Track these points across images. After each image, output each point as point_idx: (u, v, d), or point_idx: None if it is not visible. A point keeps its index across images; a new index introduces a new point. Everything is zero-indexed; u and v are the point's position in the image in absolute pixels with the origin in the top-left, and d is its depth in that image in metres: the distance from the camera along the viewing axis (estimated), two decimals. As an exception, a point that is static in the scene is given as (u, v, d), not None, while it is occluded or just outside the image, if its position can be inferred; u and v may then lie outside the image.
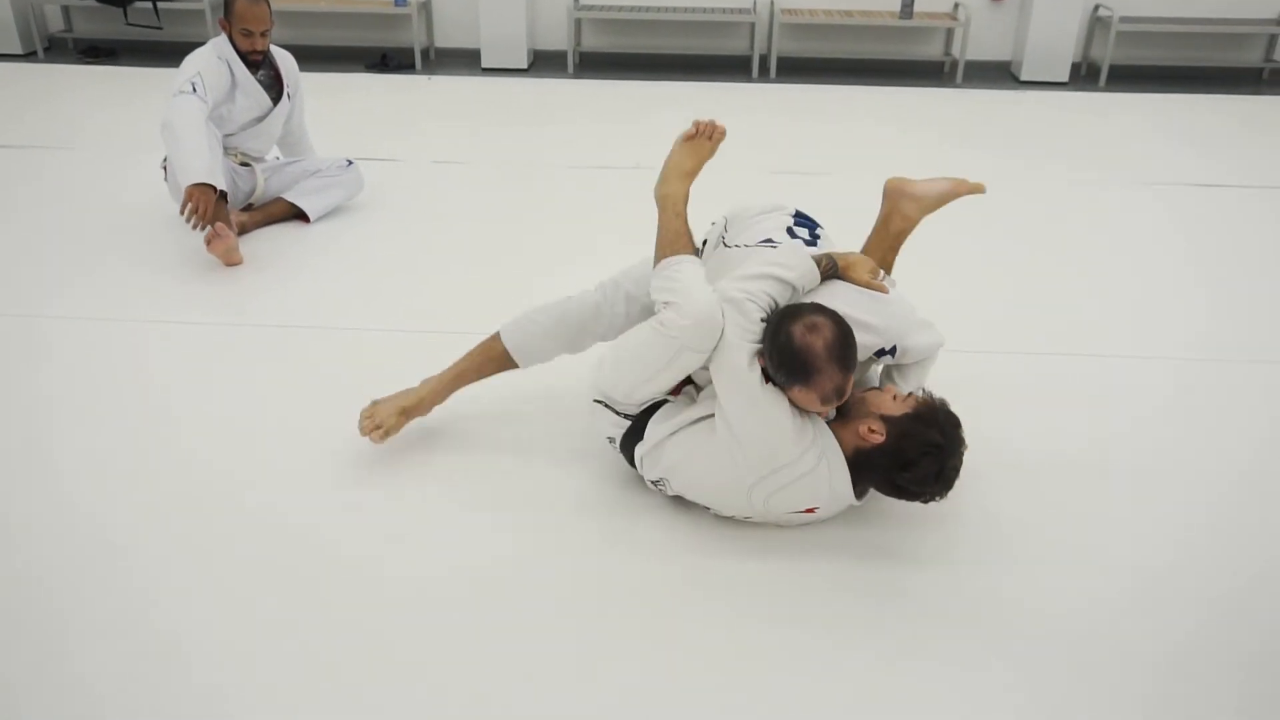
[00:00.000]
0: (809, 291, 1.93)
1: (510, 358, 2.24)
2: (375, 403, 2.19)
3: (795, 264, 1.91)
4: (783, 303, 1.87)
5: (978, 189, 2.18)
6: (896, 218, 2.19)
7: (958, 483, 1.98)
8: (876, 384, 2.10)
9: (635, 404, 2.02)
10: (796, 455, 1.80)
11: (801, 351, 1.74)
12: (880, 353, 1.96)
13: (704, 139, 2.13)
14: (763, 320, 1.84)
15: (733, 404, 1.83)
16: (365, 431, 2.15)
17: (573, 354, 2.28)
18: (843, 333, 1.77)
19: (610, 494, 2.13)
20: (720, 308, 1.84)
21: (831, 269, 1.96)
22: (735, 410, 1.83)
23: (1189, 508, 2.15)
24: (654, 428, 1.98)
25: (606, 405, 2.06)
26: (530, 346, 2.24)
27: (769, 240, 2.06)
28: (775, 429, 1.79)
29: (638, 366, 1.97)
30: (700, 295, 1.86)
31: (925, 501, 1.86)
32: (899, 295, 2.01)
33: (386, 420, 2.16)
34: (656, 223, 2.08)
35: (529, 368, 2.27)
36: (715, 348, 1.85)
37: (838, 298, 1.90)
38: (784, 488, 1.84)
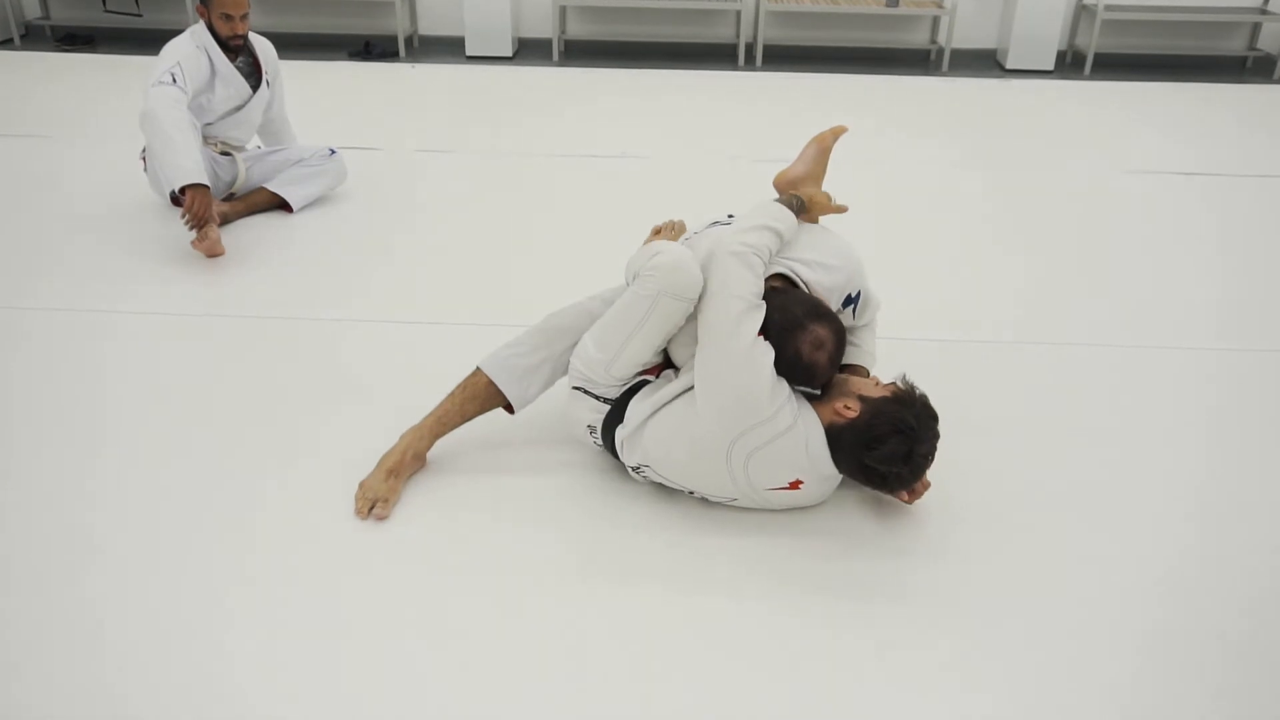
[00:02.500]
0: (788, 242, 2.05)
1: (496, 391, 2.12)
2: (361, 483, 2.04)
3: (781, 216, 2.03)
4: (775, 251, 1.99)
5: (839, 131, 2.31)
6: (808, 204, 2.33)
7: (950, 473, 1.99)
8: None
9: (616, 380, 2.02)
10: (772, 411, 1.82)
11: (809, 368, 1.87)
12: (848, 301, 2.05)
13: (669, 230, 2.30)
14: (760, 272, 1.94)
15: (720, 349, 1.85)
16: (364, 514, 1.99)
17: (563, 373, 2.15)
18: (839, 340, 1.91)
19: (592, 481, 2.13)
20: (695, 260, 1.94)
21: (800, 205, 2.10)
22: (722, 356, 1.85)
23: (1177, 500, 2.15)
24: (635, 406, 1.97)
25: (586, 391, 2.05)
26: (516, 368, 2.13)
27: (715, 223, 2.17)
28: (759, 379, 1.82)
29: (618, 329, 1.99)
30: (677, 246, 1.96)
31: (891, 490, 1.86)
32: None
33: (379, 490, 2.01)
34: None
35: (520, 410, 2.16)
36: (702, 297, 1.92)
37: (808, 247, 2.06)
38: (762, 447, 1.84)
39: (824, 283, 2.00)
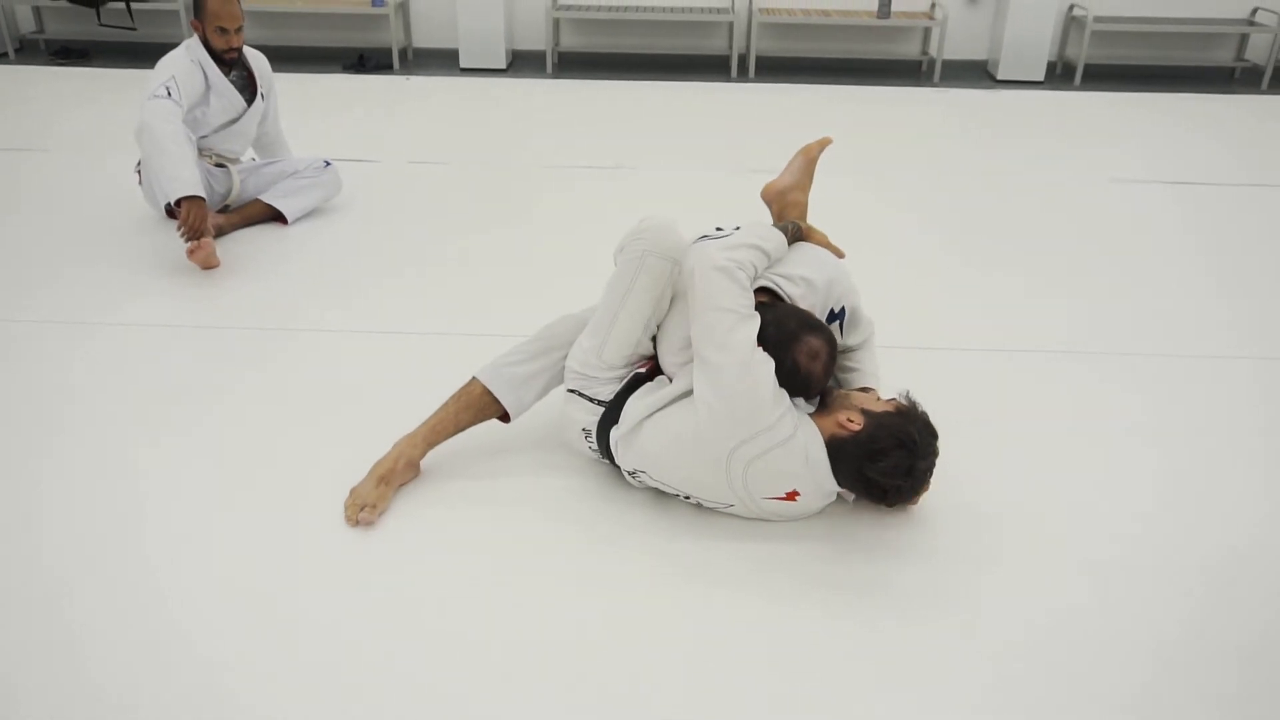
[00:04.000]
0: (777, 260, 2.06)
1: (492, 400, 2.13)
2: (352, 490, 2.05)
3: (770, 235, 2.04)
4: (762, 269, 1.99)
5: (825, 142, 2.36)
6: (791, 210, 2.32)
7: (941, 482, 2.00)
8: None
9: (609, 368, 2.03)
10: (774, 420, 1.83)
11: (806, 377, 1.90)
12: (831, 317, 2.06)
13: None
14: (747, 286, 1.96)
15: (718, 360, 1.86)
16: (353, 519, 1.99)
17: (559, 383, 2.18)
18: (833, 350, 1.94)
19: (587, 487, 2.13)
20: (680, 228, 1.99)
21: (797, 233, 2.12)
22: (720, 367, 1.85)
23: (1173, 504, 2.16)
24: (632, 406, 1.98)
25: (581, 394, 2.06)
26: (512, 377, 2.14)
27: (705, 237, 2.18)
28: (759, 388, 1.84)
29: (607, 306, 2.03)
30: (660, 212, 2.01)
31: (890, 503, 1.87)
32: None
33: (368, 496, 2.02)
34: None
35: (516, 418, 2.17)
36: (692, 312, 1.92)
37: (792, 263, 2.07)
38: (761, 456, 1.85)
39: (807, 298, 2.02)
